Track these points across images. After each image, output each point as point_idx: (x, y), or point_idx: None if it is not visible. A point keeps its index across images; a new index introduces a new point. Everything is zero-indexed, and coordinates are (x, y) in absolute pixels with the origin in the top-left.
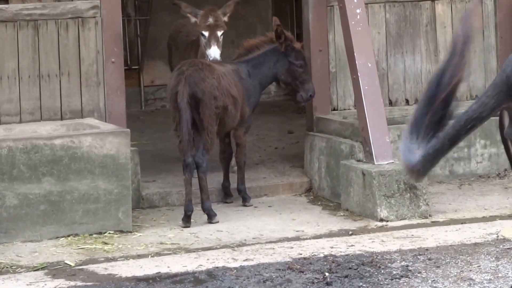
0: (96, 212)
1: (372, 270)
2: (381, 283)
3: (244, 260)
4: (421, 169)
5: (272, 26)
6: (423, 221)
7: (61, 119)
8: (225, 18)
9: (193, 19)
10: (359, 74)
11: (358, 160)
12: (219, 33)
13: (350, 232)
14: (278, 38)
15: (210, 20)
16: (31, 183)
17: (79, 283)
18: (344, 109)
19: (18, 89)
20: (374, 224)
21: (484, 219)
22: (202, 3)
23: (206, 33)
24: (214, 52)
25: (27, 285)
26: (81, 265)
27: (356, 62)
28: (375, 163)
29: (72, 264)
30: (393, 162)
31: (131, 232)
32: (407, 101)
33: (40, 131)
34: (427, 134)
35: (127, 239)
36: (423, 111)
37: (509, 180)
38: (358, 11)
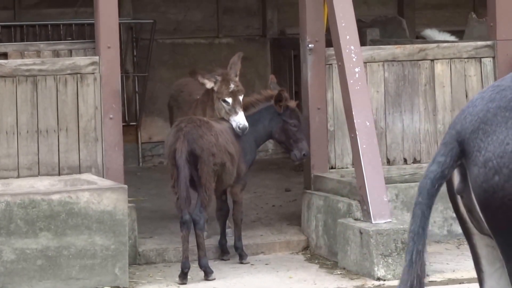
0: (92, 267)
1: None
2: None
3: None
4: None
5: (269, 83)
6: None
7: (59, 174)
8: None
9: (210, 85)
10: (357, 133)
11: (356, 219)
12: (241, 98)
13: None
14: (278, 101)
15: (232, 86)
16: (28, 238)
17: None
18: (342, 168)
19: (16, 144)
20: (371, 283)
21: None
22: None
23: (229, 100)
24: (241, 119)
25: None
26: None
27: (355, 121)
28: (373, 222)
29: None
30: (390, 221)
31: None
32: (405, 160)
33: (38, 186)
34: None
35: None
36: None
37: (494, 243)
38: (357, 69)
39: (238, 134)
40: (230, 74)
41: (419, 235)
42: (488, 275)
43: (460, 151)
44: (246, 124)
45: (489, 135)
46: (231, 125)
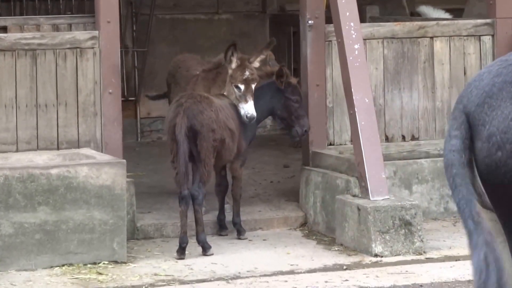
0: (91, 242)
1: None
2: None
3: None
4: None
5: (268, 60)
6: (418, 257)
7: (58, 149)
8: (257, 63)
9: (234, 65)
10: (356, 110)
11: (354, 195)
12: (253, 86)
13: (345, 267)
14: (279, 77)
15: (247, 73)
16: (27, 212)
17: None
18: (341, 144)
19: (15, 118)
20: (369, 259)
21: None
22: None
23: (242, 87)
24: (250, 108)
25: None
26: None
27: (354, 98)
28: (371, 198)
29: None
30: (388, 198)
31: (125, 262)
32: (403, 137)
33: (37, 161)
34: None
35: (121, 270)
36: None
37: (496, 216)
38: (356, 46)
39: (238, 110)
40: (249, 60)
41: (470, 201)
42: None
43: (467, 124)
44: (255, 113)
45: (494, 110)
46: (232, 102)
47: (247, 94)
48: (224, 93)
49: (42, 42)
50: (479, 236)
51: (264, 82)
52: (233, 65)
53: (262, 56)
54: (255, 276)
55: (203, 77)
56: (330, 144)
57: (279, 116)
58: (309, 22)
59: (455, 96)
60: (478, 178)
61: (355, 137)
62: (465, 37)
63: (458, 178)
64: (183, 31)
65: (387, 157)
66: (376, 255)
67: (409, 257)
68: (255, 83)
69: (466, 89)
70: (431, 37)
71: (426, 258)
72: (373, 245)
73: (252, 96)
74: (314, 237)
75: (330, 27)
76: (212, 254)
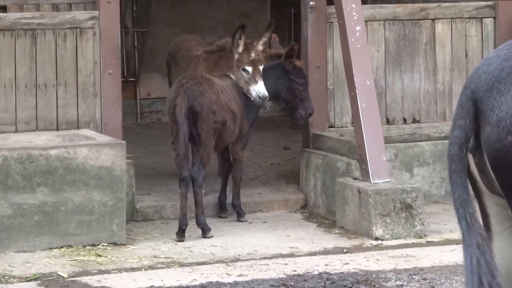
0: (90, 223)
1: None
2: None
3: (238, 276)
4: None
5: (272, 42)
6: (418, 240)
7: (57, 129)
8: (260, 46)
9: (240, 49)
10: (357, 92)
11: (355, 178)
12: (261, 67)
13: (345, 250)
14: (289, 57)
15: (253, 55)
16: (26, 193)
17: None
18: (341, 127)
19: (14, 98)
20: (369, 242)
21: None
22: None
23: (249, 69)
24: (261, 88)
25: None
26: (74, 276)
27: (355, 79)
28: (371, 181)
29: (65, 276)
30: (389, 181)
31: (124, 244)
32: (404, 120)
33: (36, 141)
34: None
35: (120, 252)
36: None
37: (504, 202)
38: (357, 28)
39: (242, 92)
40: (253, 43)
41: (465, 200)
42: (497, 233)
43: (476, 111)
44: (266, 93)
45: (503, 95)
46: (235, 82)
47: (256, 75)
48: (228, 74)
49: (42, 22)
50: (471, 239)
51: (269, 64)
52: (240, 49)
53: (264, 39)
54: (255, 259)
55: (204, 58)
56: (331, 126)
57: (283, 98)
58: (311, 3)
59: (457, 78)
60: (487, 163)
61: (356, 120)
62: (467, 19)
63: (456, 176)
64: (183, 12)
65: (388, 140)
66: (376, 238)
67: (409, 241)
68: (262, 65)
69: (474, 74)
70: (433, 19)
71: (427, 242)
72: (374, 228)
73: (261, 76)
74: (314, 220)
75: (331, 9)
76: (212, 237)
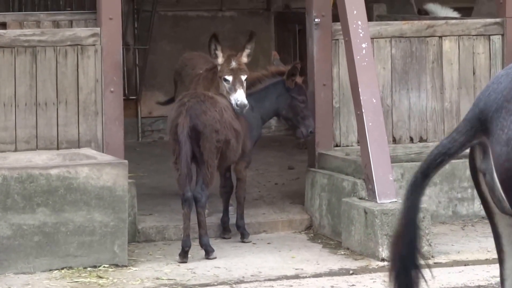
0: (91, 244)
1: None
2: None
3: None
4: None
5: (272, 59)
6: (426, 262)
7: (58, 148)
8: (244, 58)
9: (220, 60)
10: (363, 110)
11: (361, 198)
12: (243, 77)
13: (351, 272)
14: (292, 75)
15: (233, 64)
16: (26, 213)
17: None
18: (347, 146)
19: (14, 117)
20: (376, 263)
21: (487, 261)
22: None
23: (229, 78)
24: (240, 96)
25: None
26: None
27: (361, 98)
28: (378, 201)
29: None
30: (396, 201)
31: (126, 266)
32: (411, 139)
33: (36, 161)
34: None
35: (122, 274)
36: None
37: None
38: (363, 45)
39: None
40: (236, 54)
41: (416, 193)
42: (509, 255)
43: (480, 130)
44: (245, 101)
45: None
46: None
47: (236, 84)
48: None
49: (42, 39)
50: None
51: (270, 81)
52: (220, 60)
53: (248, 50)
54: (259, 281)
55: (204, 76)
56: (337, 146)
57: (284, 116)
58: (316, 20)
59: (464, 96)
60: (497, 183)
61: (362, 138)
62: (475, 37)
63: (413, 188)
64: (185, 29)
65: (394, 159)
66: (383, 260)
67: None
68: (245, 75)
69: (484, 92)
70: (440, 37)
71: (434, 263)
72: (380, 249)
73: (242, 86)
74: (319, 241)
75: (337, 26)
76: (215, 258)
